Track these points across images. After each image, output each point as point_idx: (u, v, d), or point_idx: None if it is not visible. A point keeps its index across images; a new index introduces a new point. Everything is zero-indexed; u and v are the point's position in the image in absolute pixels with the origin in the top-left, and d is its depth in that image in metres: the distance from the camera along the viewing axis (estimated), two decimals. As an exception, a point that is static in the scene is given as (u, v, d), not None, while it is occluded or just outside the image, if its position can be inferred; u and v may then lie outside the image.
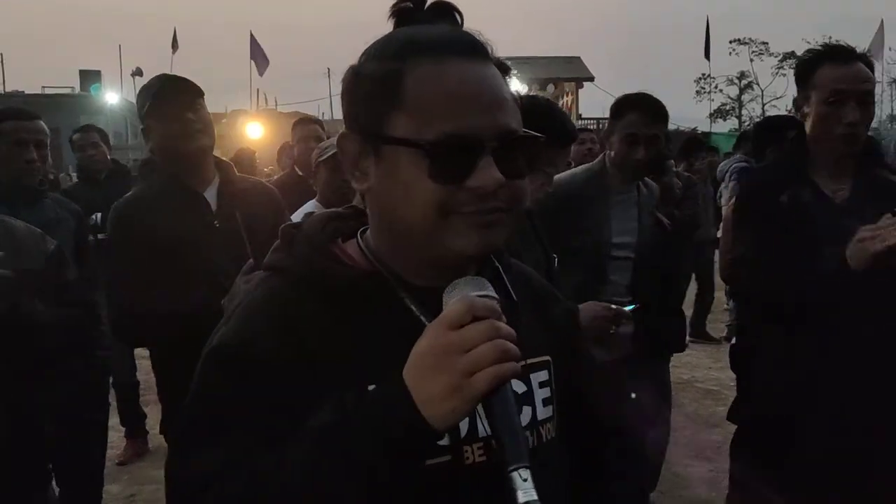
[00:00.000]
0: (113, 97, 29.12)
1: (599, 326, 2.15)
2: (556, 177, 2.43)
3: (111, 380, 4.05)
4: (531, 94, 2.87)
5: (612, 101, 3.19)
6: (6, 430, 2.31)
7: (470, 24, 1.01)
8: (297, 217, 3.23)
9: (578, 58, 36.47)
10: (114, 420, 4.43)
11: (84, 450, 3.20)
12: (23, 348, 2.19)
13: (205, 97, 2.55)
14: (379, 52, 0.98)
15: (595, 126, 19.84)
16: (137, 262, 2.43)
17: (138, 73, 35.32)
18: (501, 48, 0.99)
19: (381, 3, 1.02)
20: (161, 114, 2.47)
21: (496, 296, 0.90)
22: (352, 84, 0.99)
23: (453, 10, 1.01)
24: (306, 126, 4.68)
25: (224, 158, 2.87)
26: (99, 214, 4.37)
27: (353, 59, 1.00)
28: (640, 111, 2.95)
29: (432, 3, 1.00)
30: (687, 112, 42.07)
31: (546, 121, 2.08)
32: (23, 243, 2.37)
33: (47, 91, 29.89)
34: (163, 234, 2.40)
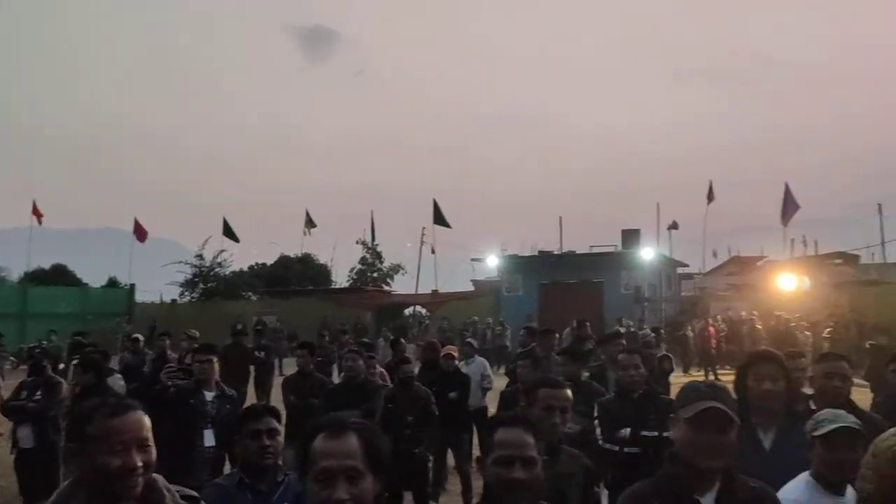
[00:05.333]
0: (649, 253, 31.02)
1: None
2: None
3: None
4: None
5: None
6: None
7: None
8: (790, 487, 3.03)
9: None
10: None
11: None
12: None
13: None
14: None
15: None
16: None
17: (674, 226, 36.91)
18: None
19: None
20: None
21: None
22: None
23: None
24: (831, 363, 4.28)
25: None
26: (628, 430, 4.98)
27: None
28: None
29: None
30: None
31: None
32: None
33: (594, 250, 33.27)
34: None
